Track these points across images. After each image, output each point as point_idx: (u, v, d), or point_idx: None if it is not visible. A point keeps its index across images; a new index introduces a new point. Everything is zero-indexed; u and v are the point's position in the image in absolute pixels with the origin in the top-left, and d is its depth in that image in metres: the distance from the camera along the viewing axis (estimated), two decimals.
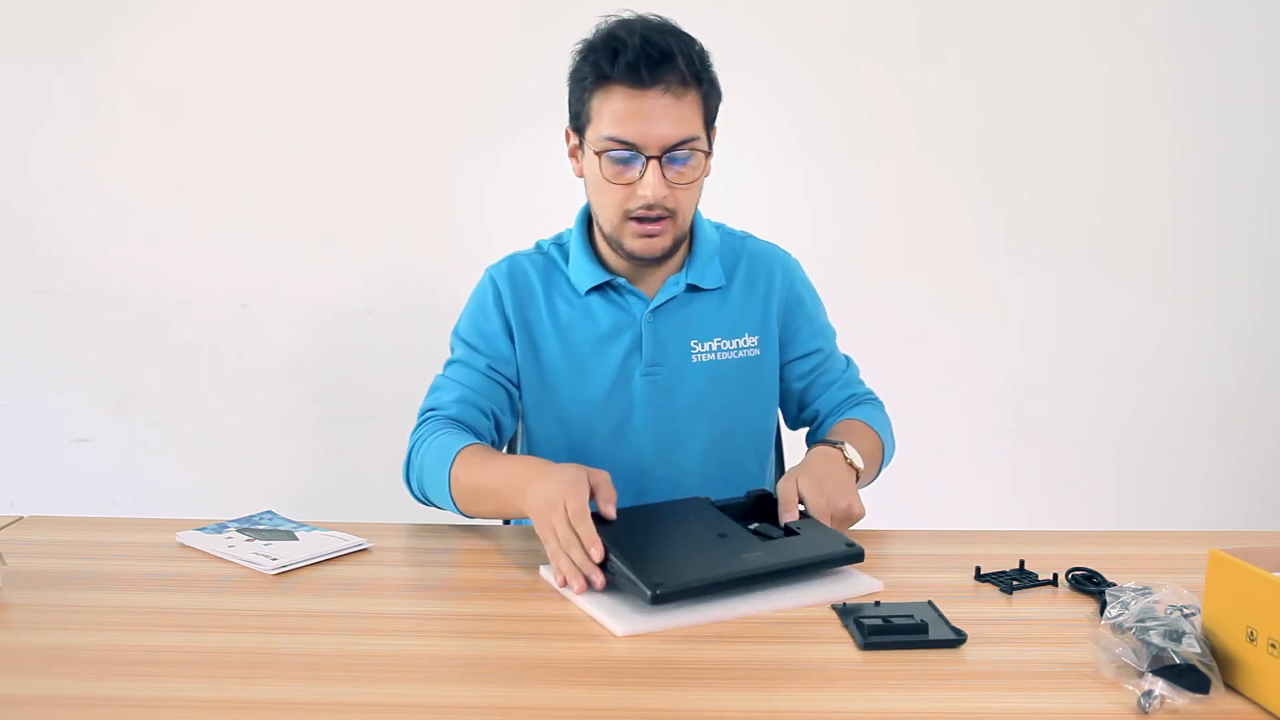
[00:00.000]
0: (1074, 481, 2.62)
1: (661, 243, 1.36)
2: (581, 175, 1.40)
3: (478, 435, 1.40)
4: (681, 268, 1.46)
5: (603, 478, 1.19)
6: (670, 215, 1.34)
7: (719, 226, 1.54)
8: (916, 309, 2.55)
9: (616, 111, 1.29)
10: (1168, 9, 2.47)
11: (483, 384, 1.44)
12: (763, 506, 1.29)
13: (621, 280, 1.44)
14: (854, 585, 1.15)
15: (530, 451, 1.50)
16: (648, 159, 1.30)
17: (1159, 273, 2.57)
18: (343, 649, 1.00)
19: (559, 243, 1.50)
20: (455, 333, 1.50)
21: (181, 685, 0.92)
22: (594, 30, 1.33)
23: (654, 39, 1.29)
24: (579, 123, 1.36)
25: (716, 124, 1.40)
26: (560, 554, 1.12)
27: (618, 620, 1.04)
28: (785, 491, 1.27)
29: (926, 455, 2.57)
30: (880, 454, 1.47)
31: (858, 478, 1.35)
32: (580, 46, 1.34)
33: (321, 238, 2.47)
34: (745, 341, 1.48)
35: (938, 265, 2.54)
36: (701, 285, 1.45)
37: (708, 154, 1.36)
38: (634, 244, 1.36)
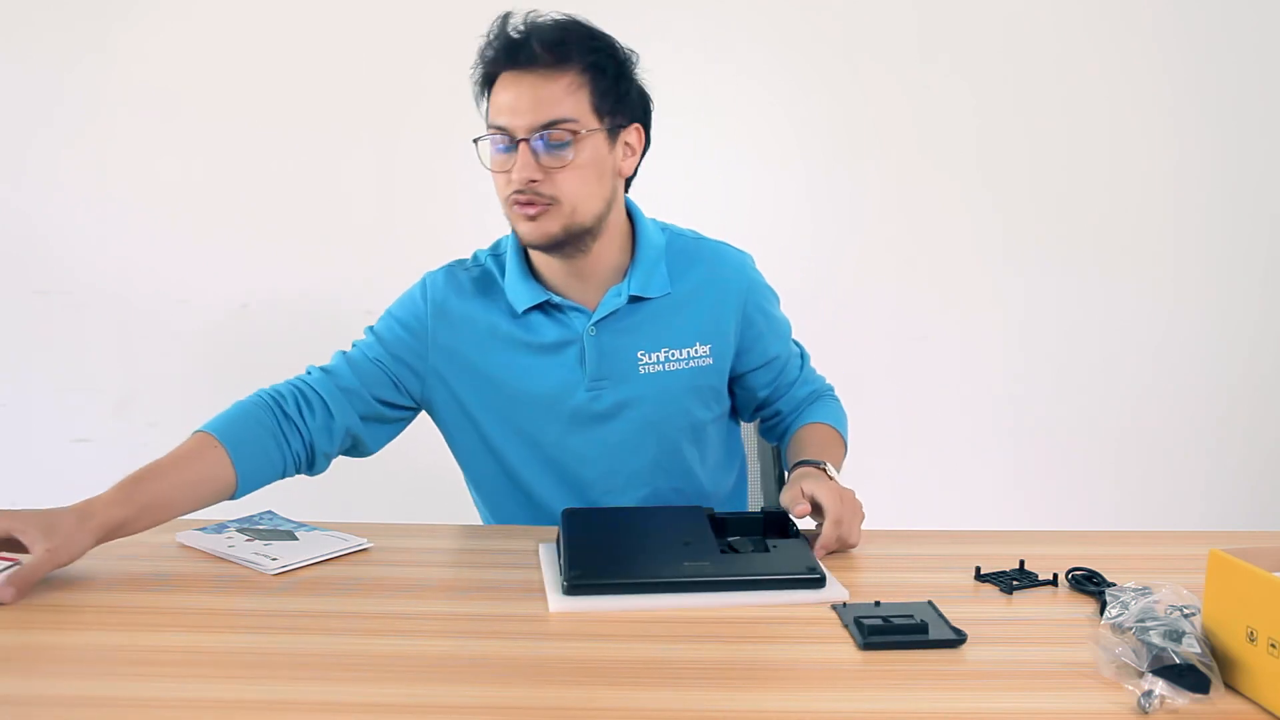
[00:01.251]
0: (1074, 481, 2.62)
1: (546, 228, 1.31)
2: None
3: (281, 407, 1.38)
4: (624, 277, 1.41)
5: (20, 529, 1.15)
6: (550, 202, 1.30)
7: (665, 228, 1.48)
8: (916, 309, 2.55)
9: (495, 100, 1.31)
10: (1168, 9, 2.47)
11: (349, 376, 1.40)
12: (773, 522, 1.28)
13: (559, 298, 1.40)
14: (816, 591, 1.14)
15: (482, 471, 1.47)
16: (517, 142, 1.29)
17: (1159, 273, 2.57)
18: (343, 649, 1.00)
19: (496, 253, 1.47)
20: (375, 324, 1.46)
21: (181, 685, 0.92)
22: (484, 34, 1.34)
23: (524, 25, 1.31)
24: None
25: (638, 124, 1.36)
26: None
27: (555, 597, 1.12)
28: (792, 493, 1.28)
29: (926, 455, 2.57)
30: (844, 453, 1.50)
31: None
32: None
33: (321, 238, 2.47)
34: (696, 350, 1.42)
35: (938, 265, 2.54)
36: (645, 295, 1.40)
37: (584, 135, 1.29)
38: (521, 228, 1.34)
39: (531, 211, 1.31)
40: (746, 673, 0.95)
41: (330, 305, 2.49)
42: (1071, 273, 2.56)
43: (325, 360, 1.46)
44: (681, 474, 1.47)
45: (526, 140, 1.28)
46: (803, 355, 1.56)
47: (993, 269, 2.55)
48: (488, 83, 1.34)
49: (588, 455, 1.42)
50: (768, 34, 2.45)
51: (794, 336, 1.56)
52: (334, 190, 2.46)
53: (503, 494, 1.46)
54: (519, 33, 1.30)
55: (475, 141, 1.34)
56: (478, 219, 2.45)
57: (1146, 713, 0.88)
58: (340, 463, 2.56)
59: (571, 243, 1.35)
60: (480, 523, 1.56)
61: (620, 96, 1.34)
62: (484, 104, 1.35)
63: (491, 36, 1.32)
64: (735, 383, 1.51)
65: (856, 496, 1.31)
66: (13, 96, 2.42)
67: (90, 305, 2.49)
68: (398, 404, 1.43)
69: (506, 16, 1.33)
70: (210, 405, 2.58)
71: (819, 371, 1.59)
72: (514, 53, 1.29)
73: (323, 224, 2.47)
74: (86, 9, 2.40)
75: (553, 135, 1.28)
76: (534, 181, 1.29)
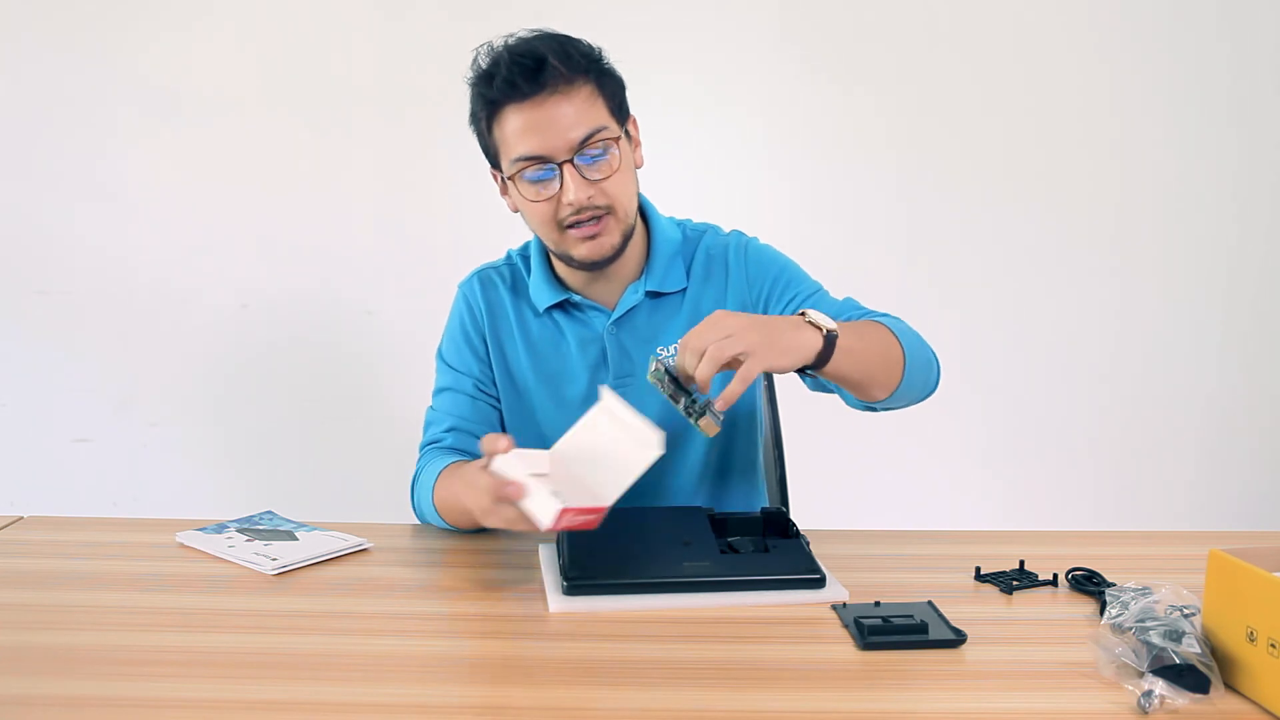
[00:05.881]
0: (1074, 482, 2.62)
1: (609, 241, 1.32)
2: (516, 210, 1.37)
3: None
4: (640, 274, 1.42)
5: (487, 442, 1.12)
6: (608, 211, 1.30)
7: (682, 224, 1.48)
8: (915, 308, 2.54)
9: (515, 131, 1.27)
10: (1168, 9, 2.47)
11: (472, 409, 1.43)
12: (773, 522, 1.28)
13: (579, 296, 1.41)
14: (816, 591, 1.14)
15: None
16: (560, 165, 1.27)
17: (1161, 274, 2.57)
18: (343, 649, 1.00)
19: (525, 254, 1.48)
20: (439, 355, 1.49)
21: (181, 685, 0.92)
22: (470, 67, 1.31)
23: (521, 49, 1.27)
24: (493, 158, 1.35)
25: (633, 114, 1.37)
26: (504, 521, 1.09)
27: (555, 597, 1.12)
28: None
29: (926, 455, 2.57)
30: (892, 346, 1.24)
31: (821, 330, 1.14)
32: (468, 89, 1.32)
33: (321, 238, 2.47)
34: None
35: (937, 264, 2.54)
36: (662, 290, 1.41)
37: (617, 140, 1.30)
38: (580, 250, 1.32)
39: (594, 230, 1.30)
40: (746, 673, 0.95)
41: (330, 305, 2.50)
42: (1072, 272, 2.55)
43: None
44: (716, 465, 1.47)
45: (570, 161, 1.27)
46: (848, 299, 1.44)
47: (992, 268, 2.55)
48: (492, 116, 1.30)
49: None
50: (765, 34, 2.45)
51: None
52: (334, 191, 2.46)
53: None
54: (525, 57, 1.26)
55: (509, 179, 1.31)
56: (478, 219, 2.46)
57: (1146, 713, 0.88)
58: (340, 462, 2.58)
59: (622, 251, 1.35)
60: None
61: (622, 94, 1.35)
62: (490, 139, 1.32)
63: (489, 68, 1.28)
64: None
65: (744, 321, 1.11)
66: (13, 96, 2.42)
67: (90, 305, 2.49)
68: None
69: (488, 51, 1.30)
70: (210, 405, 2.60)
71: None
72: (532, 77, 1.25)
73: (323, 224, 2.47)
74: (87, 9, 2.40)
75: (593, 147, 1.27)
76: (589, 198, 1.28)
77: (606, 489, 1.10)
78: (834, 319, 1.29)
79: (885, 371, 1.24)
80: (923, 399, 1.34)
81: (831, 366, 1.16)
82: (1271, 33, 2.48)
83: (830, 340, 1.14)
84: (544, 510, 1.03)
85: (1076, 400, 2.60)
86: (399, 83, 2.43)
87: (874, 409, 1.32)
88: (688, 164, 2.42)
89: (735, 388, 1.07)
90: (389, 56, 2.42)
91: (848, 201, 2.52)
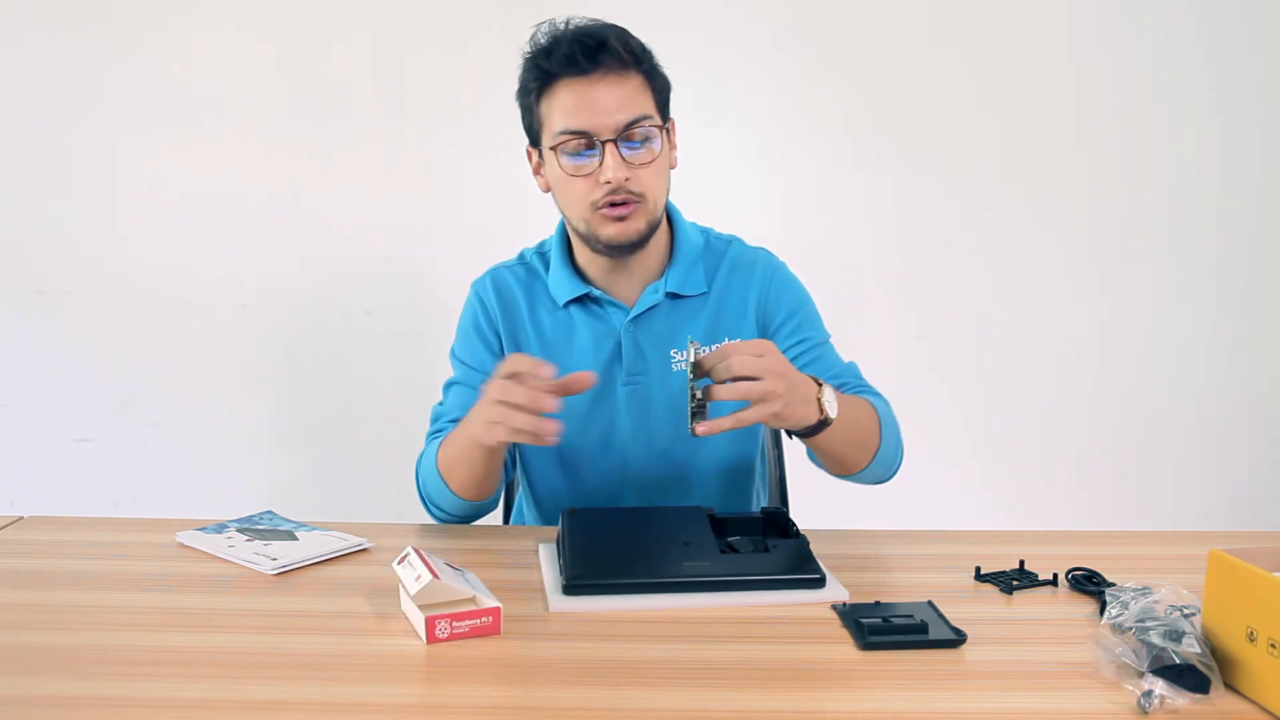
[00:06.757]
0: (1074, 482, 2.62)
1: (635, 225, 1.33)
2: (547, 190, 1.39)
3: None
4: (662, 274, 1.43)
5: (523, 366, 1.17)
6: (639, 199, 1.32)
7: (705, 231, 1.50)
8: (917, 308, 2.55)
9: (565, 105, 1.30)
10: (1172, 9, 2.47)
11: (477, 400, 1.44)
12: (773, 522, 1.28)
13: (599, 292, 1.42)
14: (816, 591, 1.14)
15: (523, 461, 1.50)
16: (603, 144, 1.29)
17: (1160, 273, 2.57)
18: (343, 649, 1.00)
19: (541, 251, 1.50)
20: (452, 353, 1.50)
21: (181, 685, 0.92)
22: (529, 42, 1.34)
23: (585, 29, 1.31)
24: (534, 134, 1.37)
25: (673, 117, 1.39)
26: (514, 414, 1.14)
27: (555, 596, 1.12)
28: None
29: (926, 455, 2.57)
30: (873, 434, 1.32)
31: (822, 414, 1.20)
32: (521, 62, 1.35)
33: (321, 238, 2.47)
34: None
35: (938, 264, 2.54)
36: (682, 292, 1.43)
37: (662, 128, 1.34)
38: (607, 230, 1.34)
39: (624, 212, 1.32)
40: (746, 673, 0.95)
41: (330, 305, 2.50)
42: (1073, 272, 2.56)
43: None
44: (721, 471, 1.48)
45: (614, 141, 1.29)
46: (851, 365, 1.48)
47: (993, 268, 2.55)
48: (544, 88, 1.32)
49: (626, 450, 1.44)
50: (769, 30, 2.45)
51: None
52: (334, 191, 2.47)
53: (549, 473, 1.49)
54: (588, 36, 1.29)
55: (550, 150, 1.33)
56: (479, 218, 2.47)
57: (1146, 713, 0.88)
58: (339, 461, 2.58)
59: (646, 241, 1.37)
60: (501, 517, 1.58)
61: (667, 95, 1.38)
62: (536, 112, 1.34)
63: (549, 43, 1.31)
64: None
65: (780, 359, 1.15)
66: (13, 96, 2.42)
67: (90, 305, 2.49)
68: None
69: (549, 27, 1.33)
70: (210, 405, 2.60)
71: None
72: (592, 55, 1.28)
73: (323, 224, 2.47)
74: (88, 10, 2.40)
75: (636, 133, 1.30)
76: (625, 180, 1.30)
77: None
78: (833, 382, 1.37)
79: (855, 460, 1.33)
80: (871, 484, 1.41)
81: (810, 439, 1.25)
82: (1261, 33, 2.48)
83: (823, 425, 1.21)
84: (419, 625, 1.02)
85: (1076, 400, 2.60)
86: (400, 83, 2.43)
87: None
88: (685, 164, 2.42)
89: (725, 424, 1.14)
90: (390, 57, 2.42)
91: (846, 204, 2.52)
